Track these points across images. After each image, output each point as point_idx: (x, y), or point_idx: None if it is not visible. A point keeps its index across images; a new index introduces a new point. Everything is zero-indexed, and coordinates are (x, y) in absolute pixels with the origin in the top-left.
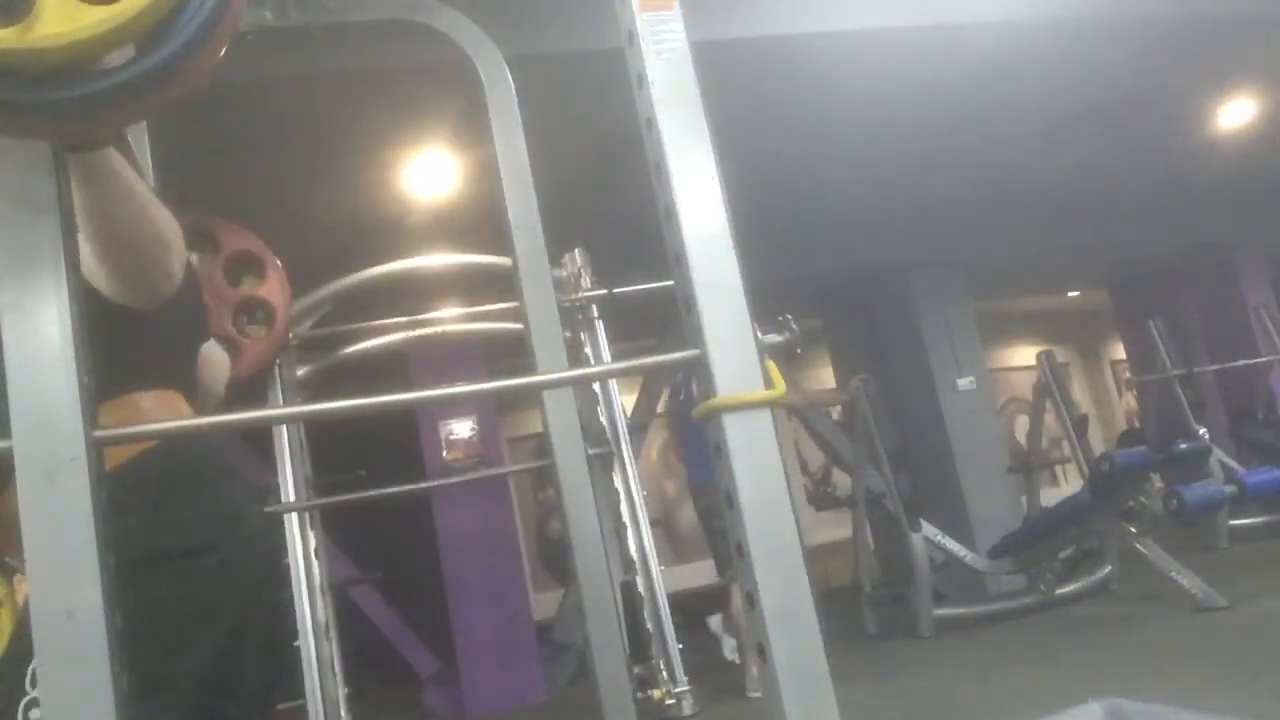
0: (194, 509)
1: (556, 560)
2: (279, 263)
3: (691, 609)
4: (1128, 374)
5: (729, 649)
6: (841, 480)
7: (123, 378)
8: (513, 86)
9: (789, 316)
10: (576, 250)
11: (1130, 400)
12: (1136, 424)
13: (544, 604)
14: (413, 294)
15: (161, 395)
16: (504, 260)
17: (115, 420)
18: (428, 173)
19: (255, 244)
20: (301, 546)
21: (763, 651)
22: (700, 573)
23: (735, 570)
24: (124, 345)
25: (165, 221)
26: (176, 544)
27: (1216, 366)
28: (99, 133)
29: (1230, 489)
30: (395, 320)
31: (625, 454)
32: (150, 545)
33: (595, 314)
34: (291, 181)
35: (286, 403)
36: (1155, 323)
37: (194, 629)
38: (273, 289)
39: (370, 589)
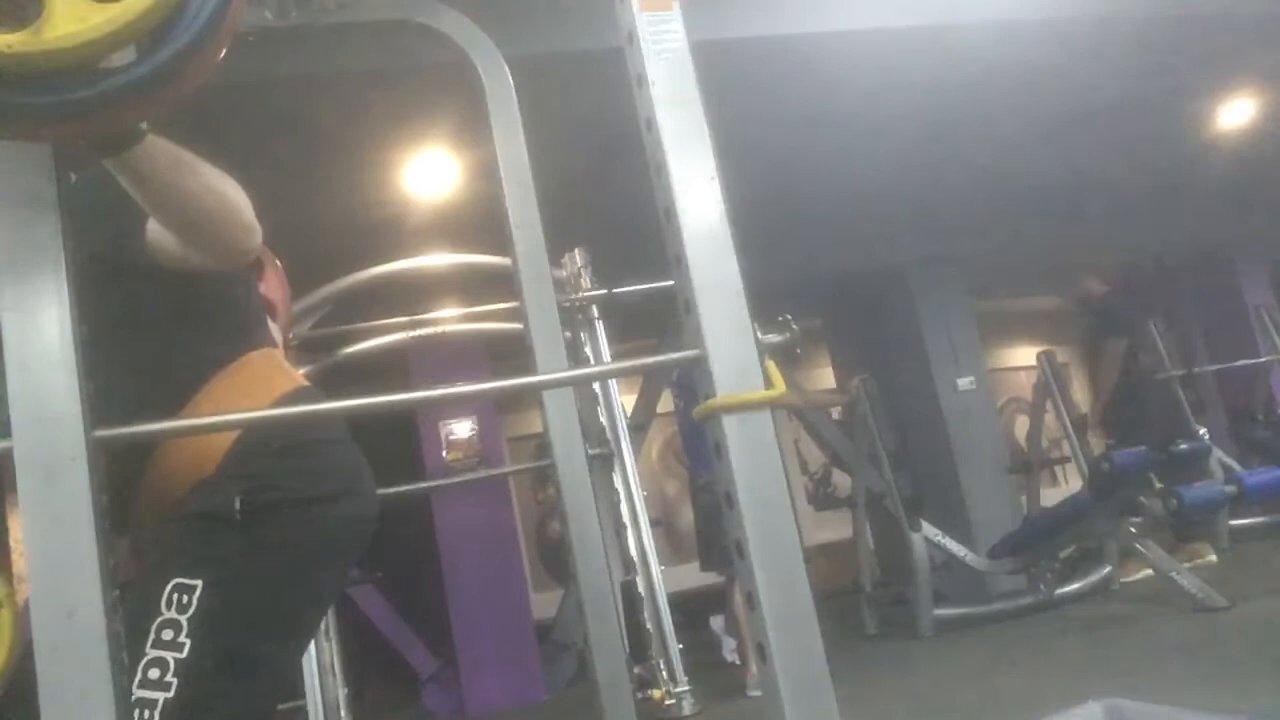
0: (323, 458)
1: (556, 560)
2: (278, 262)
3: (691, 609)
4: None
5: (729, 649)
6: (841, 480)
7: (235, 342)
8: (513, 86)
9: (789, 316)
10: (576, 250)
11: None
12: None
13: (544, 604)
14: (413, 294)
15: (268, 353)
16: (504, 260)
17: (237, 382)
18: (428, 173)
19: None
20: None
21: (763, 651)
22: (700, 573)
23: (735, 569)
24: (228, 311)
25: (228, 186)
26: (308, 490)
27: (1216, 366)
28: (102, 131)
29: (1230, 489)
30: (395, 320)
31: (625, 454)
32: (285, 489)
33: (595, 314)
34: (291, 181)
35: None
36: (1155, 323)
37: (324, 572)
38: (272, 287)
39: (370, 589)
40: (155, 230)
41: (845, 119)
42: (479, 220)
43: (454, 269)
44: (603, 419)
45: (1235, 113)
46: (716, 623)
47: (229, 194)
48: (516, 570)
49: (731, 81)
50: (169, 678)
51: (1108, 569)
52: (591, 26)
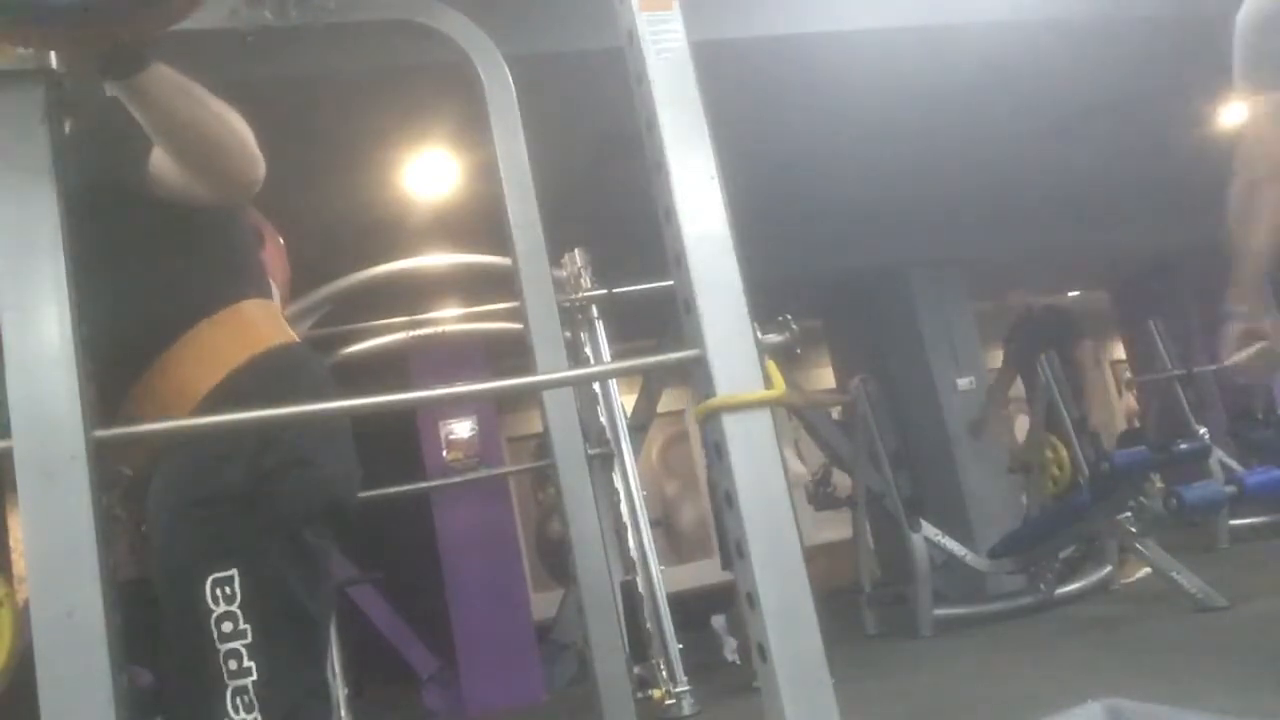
0: (298, 424)
1: (556, 560)
2: (280, 240)
3: (692, 609)
4: (1128, 374)
5: (729, 649)
6: (841, 480)
7: (229, 286)
8: (513, 86)
9: (789, 316)
10: (576, 250)
11: (1130, 400)
12: (1136, 424)
13: (544, 604)
14: (413, 294)
15: (262, 304)
16: (504, 260)
17: (226, 330)
18: (428, 173)
19: (252, 215)
20: None
21: (763, 651)
22: (700, 573)
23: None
24: (225, 252)
25: (232, 116)
26: (285, 457)
27: (1216, 366)
28: (102, 45)
29: (1230, 489)
30: (395, 320)
31: (625, 454)
32: (264, 458)
33: (595, 314)
34: (291, 181)
35: None
36: (1155, 323)
37: (326, 526)
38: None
39: (370, 589)
40: (159, 161)
41: (845, 119)
42: (479, 220)
43: (454, 269)
44: (603, 419)
45: (1235, 112)
46: (717, 622)
47: (234, 123)
48: (516, 570)
49: (731, 81)
50: (247, 663)
51: (1108, 569)
52: (591, 26)
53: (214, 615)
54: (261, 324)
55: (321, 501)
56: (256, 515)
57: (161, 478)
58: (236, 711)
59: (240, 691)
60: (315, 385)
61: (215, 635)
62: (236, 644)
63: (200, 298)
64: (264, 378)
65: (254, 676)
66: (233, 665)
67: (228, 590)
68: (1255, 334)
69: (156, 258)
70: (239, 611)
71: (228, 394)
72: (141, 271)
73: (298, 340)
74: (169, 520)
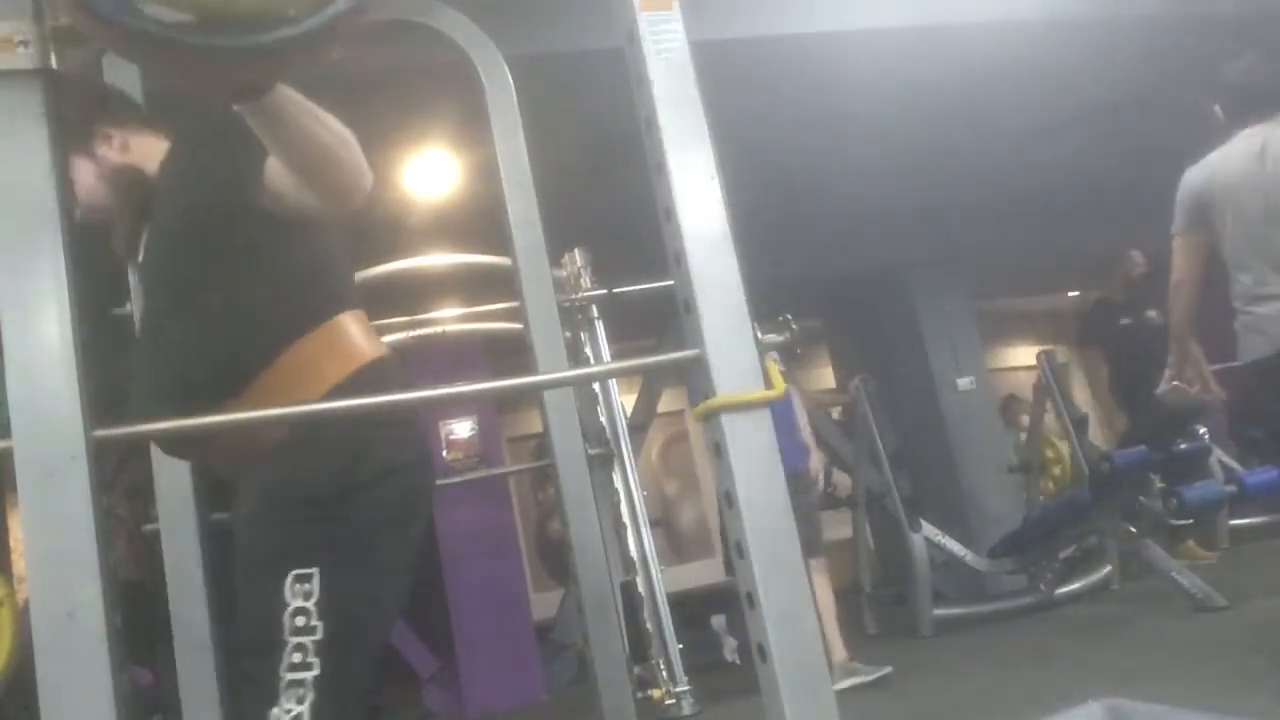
0: (405, 428)
1: (556, 560)
2: None
3: (692, 609)
4: None
5: (729, 649)
6: (841, 480)
7: (330, 298)
8: (513, 86)
9: (789, 316)
10: (576, 250)
11: None
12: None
13: (544, 604)
14: (413, 294)
15: (359, 316)
16: (504, 260)
17: (326, 343)
18: (428, 173)
19: None
20: None
21: (763, 651)
22: (700, 573)
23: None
24: (326, 264)
25: (346, 132)
26: (376, 468)
27: (1217, 366)
28: (275, 78)
29: (1230, 489)
30: (395, 320)
31: (625, 454)
32: (376, 459)
33: (595, 314)
34: None
35: None
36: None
37: (406, 538)
38: None
39: None
40: (272, 174)
41: (845, 119)
42: (479, 220)
43: (454, 269)
44: (603, 419)
45: None
46: (717, 622)
47: (348, 139)
48: (516, 570)
49: (731, 81)
50: (311, 658)
51: (1107, 569)
52: (591, 26)
53: (289, 609)
54: (358, 338)
55: (401, 512)
56: (342, 521)
57: (256, 477)
58: (288, 701)
59: (296, 684)
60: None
61: (287, 628)
62: (305, 639)
63: (303, 311)
64: (360, 395)
65: (315, 672)
66: (297, 658)
67: (307, 587)
68: (1177, 378)
69: (260, 273)
70: (313, 609)
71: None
72: (247, 287)
73: (389, 354)
74: (261, 515)
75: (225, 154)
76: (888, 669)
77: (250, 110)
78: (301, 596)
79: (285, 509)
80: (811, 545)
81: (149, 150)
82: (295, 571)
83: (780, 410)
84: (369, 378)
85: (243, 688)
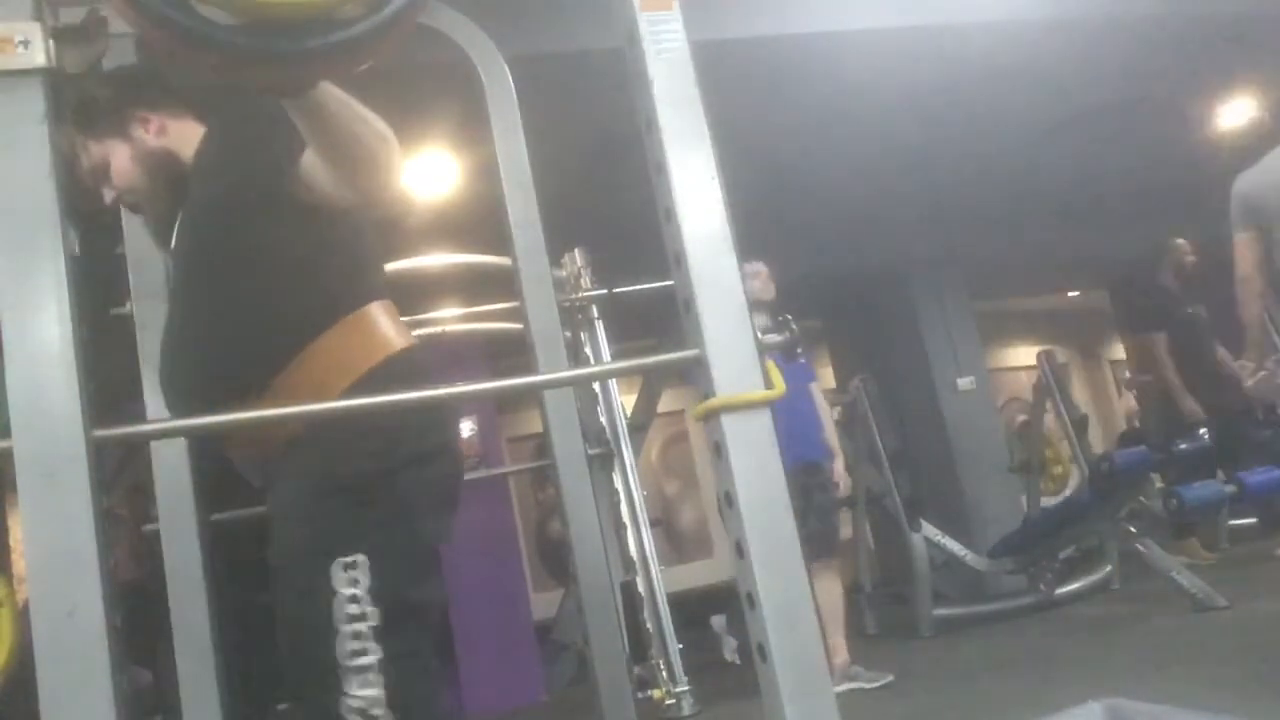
0: (430, 416)
1: (556, 560)
2: None
3: (692, 609)
4: (1128, 374)
5: (729, 649)
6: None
7: (360, 287)
8: (513, 86)
9: (789, 316)
10: (576, 250)
11: (1130, 400)
12: (1136, 424)
13: (544, 604)
14: (413, 294)
15: (386, 305)
16: (504, 260)
17: (355, 334)
18: (428, 173)
19: None
20: None
21: (763, 651)
22: (700, 573)
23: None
24: (358, 254)
25: (383, 126)
26: (409, 454)
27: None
28: (323, 79)
29: (1230, 489)
30: None
31: (625, 454)
32: (391, 453)
33: (595, 314)
34: None
35: None
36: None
37: (440, 521)
38: None
39: None
40: (308, 165)
41: (845, 119)
42: (479, 220)
43: (454, 269)
44: (603, 419)
45: (1236, 112)
46: (717, 622)
47: (386, 134)
48: (516, 570)
49: (731, 81)
50: (369, 644)
51: (1108, 569)
52: (591, 26)
53: (338, 597)
54: (387, 328)
55: (437, 496)
56: (383, 506)
57: (292, 464)
58: (357, 688)
59: (362, 670)
60: (426, 383)
61: (338, 616)
62: (360, 625)
63: (334, 300)
64: (387, 384)
65: (377, 656)
66: (355, 646)
67: (354, 575)
68: (1260, 369)
69: (293, 261)
70: (364, 595)
71: (358, 398)
72: (279, 274)
73: (417, 344)
74: (301, 503)
75: (261, 142)
76: (889, 678)
77: (294, 105)
78: (349, 584)
79: (325, 497)
80: (829, 544)
81: (186, 135)
82: (341, 559)
83: (802, 403)
84: (397, 367)
85: (300, 683)
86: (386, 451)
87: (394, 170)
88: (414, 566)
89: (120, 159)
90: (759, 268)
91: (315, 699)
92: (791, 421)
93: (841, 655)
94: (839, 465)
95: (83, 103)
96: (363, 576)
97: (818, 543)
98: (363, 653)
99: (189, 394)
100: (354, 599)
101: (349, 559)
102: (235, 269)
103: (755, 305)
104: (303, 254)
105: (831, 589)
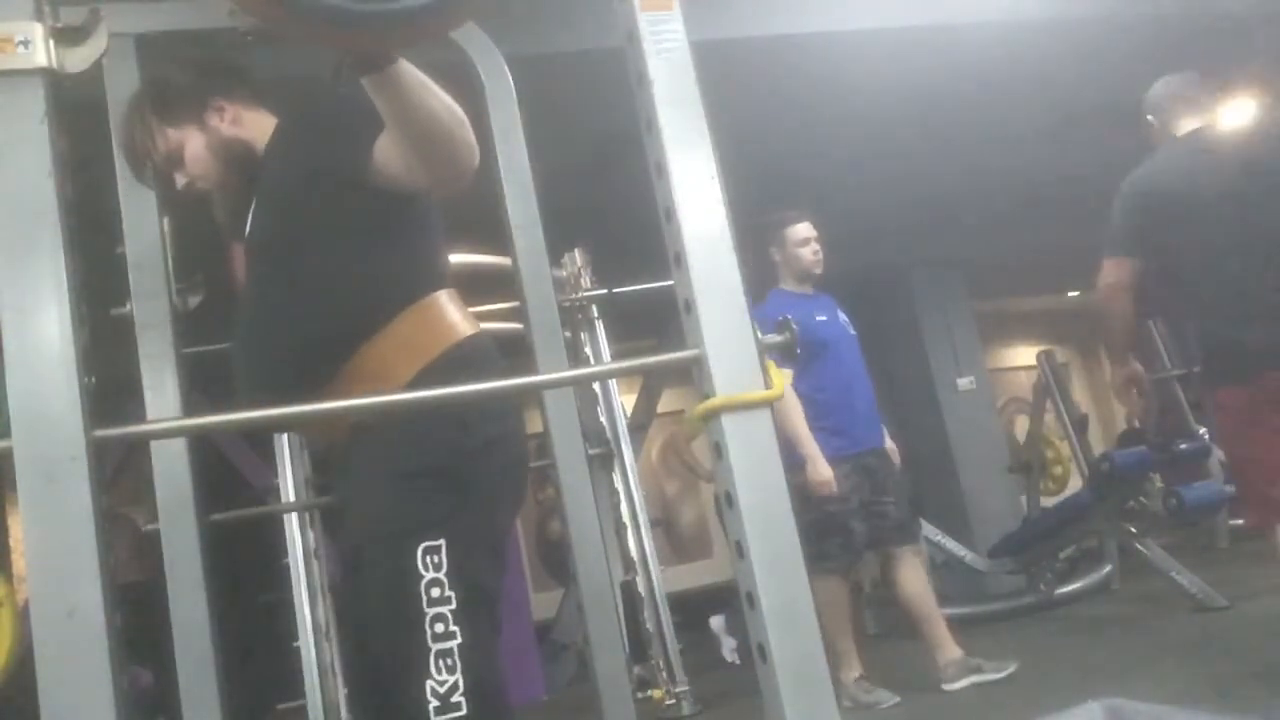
0: (499, 402)
1: (556, 560)
2: None
3: (692, 609)
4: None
5: (729, 649)
6: None
7: (429, 274)
8: (513, 86)
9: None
10: (576, 250)
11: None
12: (1136, 424)
13: (544, 604)
14: None
15: (452, 293)
16: (504, 260)
17: (423, 321)
18: None
19: None
20: (301, 546)
21: (763, 651)
22: (700, 573)
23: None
24: (429, 241)
25: (458, 108)
26: (481, 440)
27: None
28: (396, 47)
29: (1230, 489)
30: None
31: (625, 454)
32: (465, 439)
33: (595, 314)
34: None
35: None
36: (1155, 323)
37: (509, 509)
38: None
39: None
40: (383, 148)
41: (845, 119)
42: (479, 220)
43: (454, 269)
44: (603, 419)
45: (1236, 112)
46: (716, 622)
47: (461, 115)
48: (516, 570)
49: (731, 81)
50: (452, 627)
51: (1108, 569)
52: (591, 26)
53: (424, 581)
54: (454, 315)
55: (509, 482)
56: (459, 491)
57: (365, 450)
58: (440, 672)
59: (444, 654)
60: (497, 376)
61: (425, 600)
62: (443, 609)
63: (404, 287)
64: (456, 370)
65: (459, 640)
66: (439, 629)
67: (436, 559)
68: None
69: (366, 245)
70: (445, 579)
71: (425, 385)
72: (352, 258)
73: (482, 331)
74: (380, 489)
75: (334, 132)
76: (1013, 667)
77: (375, 83)
78: (433, 568)
79: (410, 481)
80: (910, 531)
81: (260, 125)
82: (425, 544)
83: (862, 382)
84: (461, 354)
85: (384, 666)
86: (462, 438)
87: (472, 150)
88: (488, 553)
89: (194, 146)
90: (811, 230)
91: (399, 683)
92: (855, 400)
93: (953, 650)
94: (889, 441)
95: (160, 89)
96: (444, 560)
97: (899, 531)
98: (446, 636)
99: (265, 384)
100: (436, 583)
101: (432, 543)
102: (307, 257)
103: (808, 278)
104: (374, 243)
105: (918, 576)
